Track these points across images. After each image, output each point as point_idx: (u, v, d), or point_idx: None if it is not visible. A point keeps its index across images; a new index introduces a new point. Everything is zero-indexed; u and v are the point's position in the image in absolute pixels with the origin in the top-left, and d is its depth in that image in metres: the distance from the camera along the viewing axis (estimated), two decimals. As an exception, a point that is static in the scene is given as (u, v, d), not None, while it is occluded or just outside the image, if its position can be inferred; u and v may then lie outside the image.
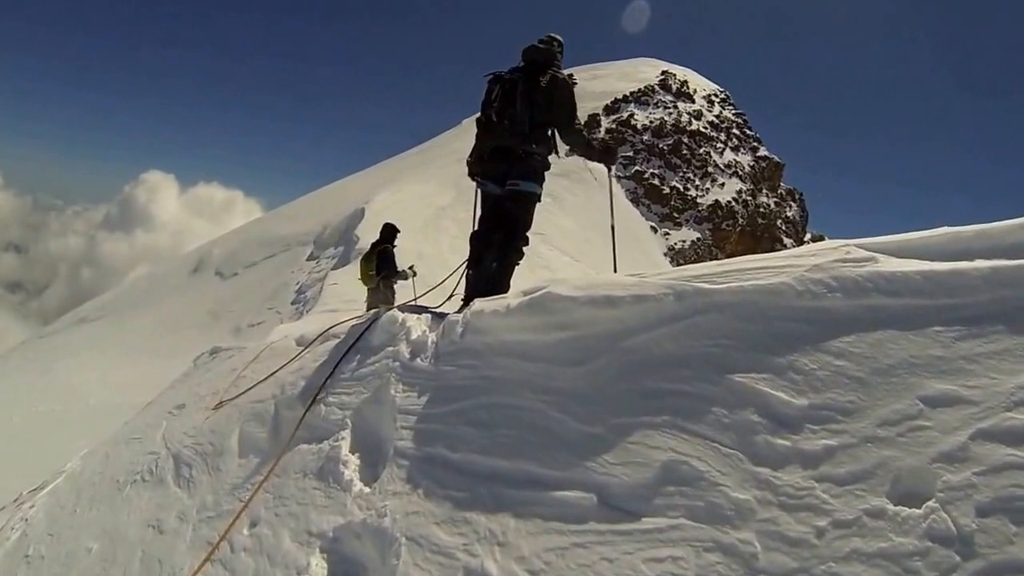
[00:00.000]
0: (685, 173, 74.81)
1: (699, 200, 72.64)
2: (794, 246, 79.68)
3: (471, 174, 6.51)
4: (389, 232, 13.75)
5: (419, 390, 4.35)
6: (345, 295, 22.76)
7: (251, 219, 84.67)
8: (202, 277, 54.55)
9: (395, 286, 13.39)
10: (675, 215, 70.34)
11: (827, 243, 3.46)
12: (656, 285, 3.48)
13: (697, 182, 74.67)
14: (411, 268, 13.70)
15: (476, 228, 6.51)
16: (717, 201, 72.71)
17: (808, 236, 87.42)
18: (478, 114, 6.50)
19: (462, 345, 4.36)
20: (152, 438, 6.87)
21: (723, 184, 75.56)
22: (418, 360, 4.63)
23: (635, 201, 69.28)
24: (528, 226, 6.32)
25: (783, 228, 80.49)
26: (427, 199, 51.79)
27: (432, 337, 4.78)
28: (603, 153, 6.88)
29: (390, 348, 5.06)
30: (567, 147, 6.57)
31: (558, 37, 6.41)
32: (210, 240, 70.64)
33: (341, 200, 54.78)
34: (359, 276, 14.21)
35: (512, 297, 4.37)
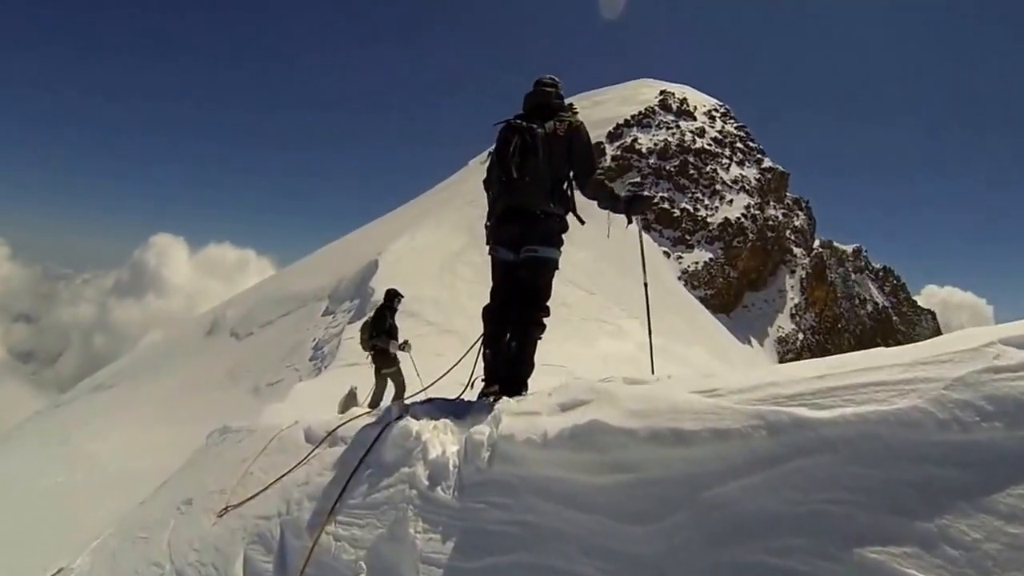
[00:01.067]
0: (694, 193, 74.89)
1: (709, 219, 72.76)
2: (804, 255, 79.90)
3: (492, 241, 5.60)
4: (388, 297, 13.33)
5: (443, 532, 3.63)
6: (360, 349, 22.30)
7: (264, 277, 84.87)
8: (217, 339, 54.44)
9: (395, 352, 12.93)
10: (687, 237, 70.51)
11: (960, 337, 2.63)
12: (739, 413, 2.65)
13: (706, 201, 74.72)
14: (406, 342, 13.20)
15: (490, 301, 5.62)
16: (727, 219, 72.83)
17: (817, 243, 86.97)
18: (482, 162, 5.70)
19: (490, 475, 3.62)
20: (158, 542, 6.47)
21: (731, 201, 75.54)
22: (439, 490, 3.89)
23: (647, 227, 69.21)
24: (548, 295, 5.50)
25: (792, 238, 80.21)
26: (441, 245, 51.74)
27: (454, 459, 4.01)
28: (630, 203, 5.75)
29: (405, 469, 4.37)
30: (590, 198, 5.75)
31: (557, 78, 5.78)
32: (224, 301, 70.74)
33: (354, 252, 54.78)
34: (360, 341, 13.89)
35: (546, 412, 3.72)
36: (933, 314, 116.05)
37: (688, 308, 58.77)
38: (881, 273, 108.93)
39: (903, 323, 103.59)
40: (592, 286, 50.92)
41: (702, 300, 64.14)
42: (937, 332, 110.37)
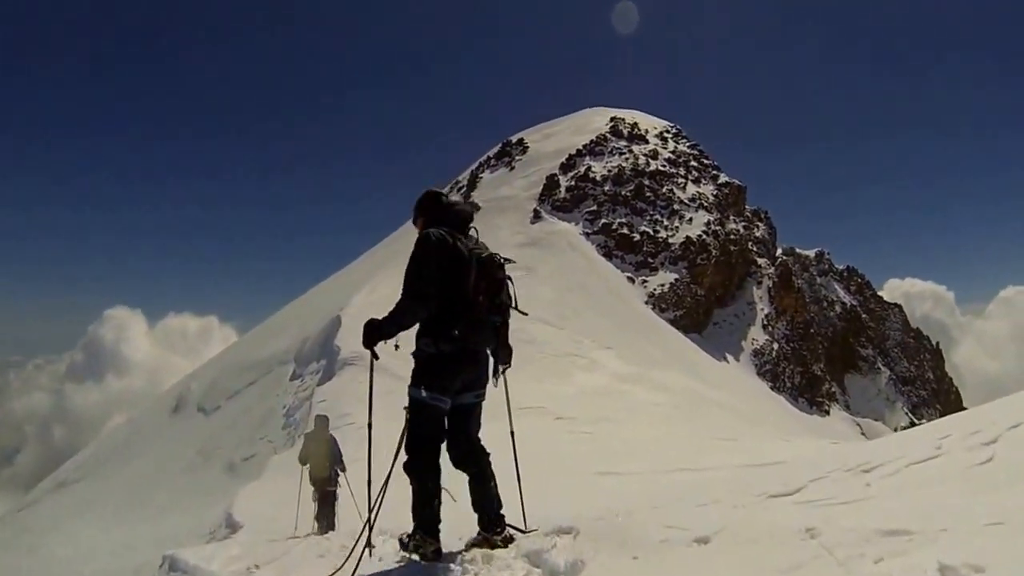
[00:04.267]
0: (652, 215, 75.29)
1: (670, 240, 73.21)
2: (769, 265, 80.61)
3: (439, 389, 4.92)
4: (325, 423, 13.56)
5: None
6: (333, 410, 22.00)
7: (229, 345, 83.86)
8: (184, 416, 53.56)
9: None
10: (650, 260, 70.74)
11: None
12: None
13: (665, 222, 75.16)
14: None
15: (417, 455, 4.92)
16: (688, 237, 73.23)
17: (780, 251, 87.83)
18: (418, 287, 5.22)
19: None
20: None
21: (691, 219, 76.07)
22: None
23: (608, 255, 69.86)
24: None
25: (755, 250, 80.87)
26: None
27: None
28: (510, 352, 5.33)
29: None
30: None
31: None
32: (187, 375, 69.75)
33: (317, 309, 54.53)
34: (305, 461, 13.48)
35: None
36: (899, 307, 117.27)
37: (659, 332, 58.83)
38: (845, 273, 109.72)
39: (872, 320, 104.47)
40: (559, 321, 51.07)
41: (672, 322, 64.29)
42: (906, 324, 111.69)
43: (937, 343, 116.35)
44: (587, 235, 70.71)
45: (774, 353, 71.33)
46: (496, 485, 5.23)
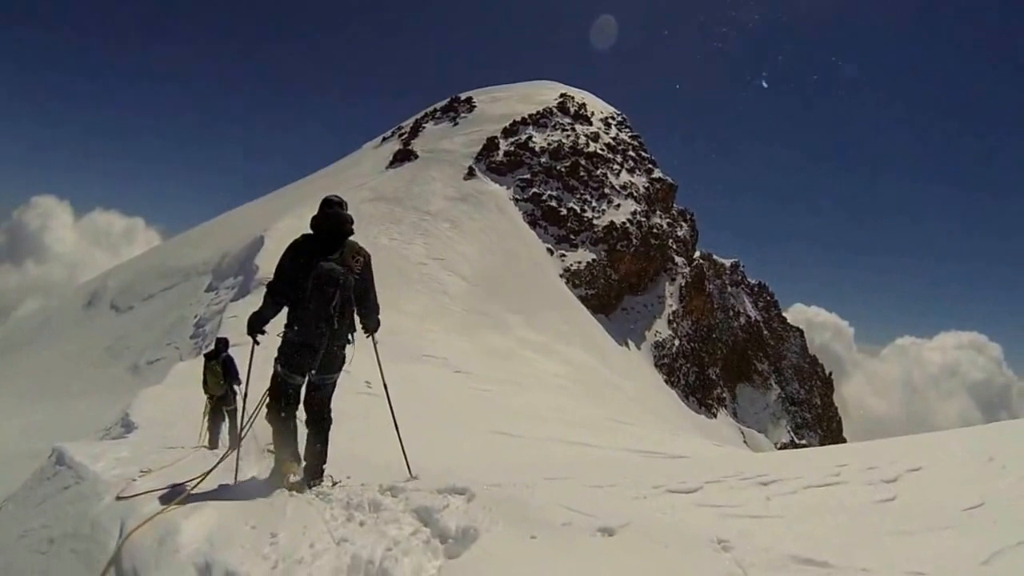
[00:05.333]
0: (582, 195, 75.97)
1: (595, 221, 73.98)
2: (685, 265, 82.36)
3: (288, 368, 6.03)
4: (225, 345, 13.83)
5: None
6: (242, 328, 21.90)
7: (150, 248, 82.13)
8: (97, 311, 52.72)
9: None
10: (571, 236, 71.33)
11: None
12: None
13: (594, 203, 75.89)
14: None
15: (276, 410, 6.13)
16: (612, 223, 74.12)
17: (698, 254, 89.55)
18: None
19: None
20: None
21: (619, 205, 77.05)
22: None
23: (533, 223, 70.18)
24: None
25: (675, 248, 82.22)
26: (327, 227, 51.06)
27: None
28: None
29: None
30: (365, 326, 6.56)
31: (342, 197, 6.25)
32: (104, 271, 68.25)
33: (242, 227, 53.92)
34: (203, 382, 13.71)
35: None
36: (801, 331, 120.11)
37: (568, 306, 59.57)
38: (756, 288, 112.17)
39: (773, 337, 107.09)
40: (476, 278, 51.69)
41: (582, 299, 65.07)
42: (804, 348, 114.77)
43: (830, 372, 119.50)
44: (516, 200, 70.96)
45: (674, 349, 72.96)
46: (324, 447, 6.24)
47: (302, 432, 6.31)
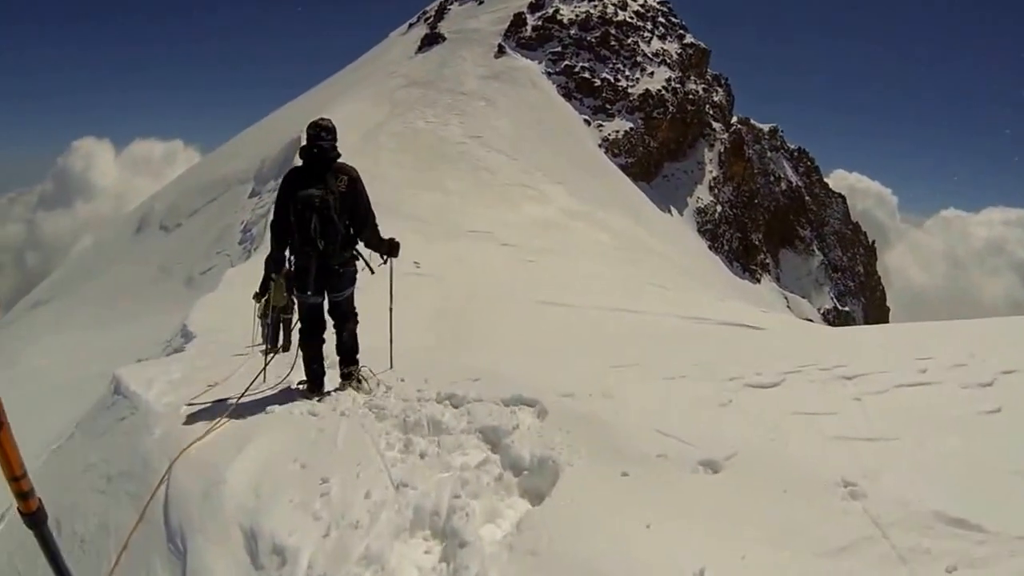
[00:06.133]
0: (614, 64, 74.97)
1: (630, 90, 73.21)
2: (723, 130, 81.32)
3: (300, 289, 6.40)
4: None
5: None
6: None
7: (191, 166, 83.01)
8: (147, 234, 53.81)
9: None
10: (607, 106, 70.79)
11: None
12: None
13: (627, 72, 74.93)
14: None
15: (304, 332, 6.61)
16: (647, 90, 73.24)
17: (735, 119, 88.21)
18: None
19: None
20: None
21: (652, 73, 75.93)
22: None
23: (567, 96, 69.69)
24: (354, 309, 6.75)
25: (711, 113, 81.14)
26: (363, 117, 51.48)
27: None
28: (390, 247, 6.72)
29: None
30: (366, 244, 6.68)
31: (331, 123, 6.32)
32: (150, 196, 69.21)
33: (278, 131, 54.14)
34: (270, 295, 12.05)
35: None
36: (843, 197, 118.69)
37: (609, 175, 59.53)
38: (796, 153, 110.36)
39: (815, 203, 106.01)
40: (514, 152, 51.66)
41: (623, 168, 65.16)
42: (846, 215, 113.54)
43: (873, 241, 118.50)
44: (549, 74, 70.31)
45: (717, 215, 72.91)
46: (353, 340, 6.64)
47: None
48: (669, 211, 66.88)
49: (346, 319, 6.55)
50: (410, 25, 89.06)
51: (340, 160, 6.22)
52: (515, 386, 5.36)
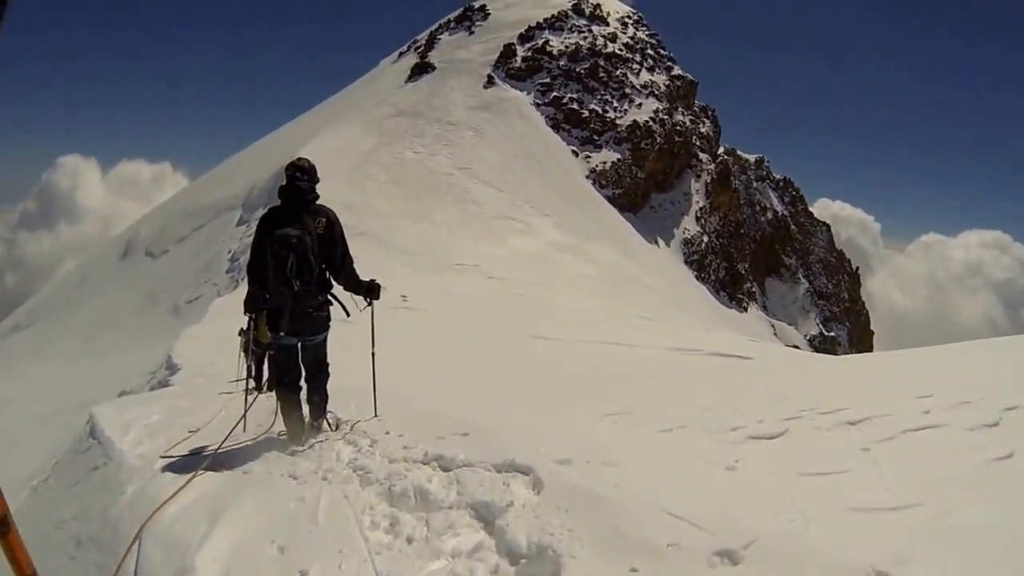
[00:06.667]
0: (603, 96, 75.49)
1: (618, 121, 73.64)
2: (710, 161, 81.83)
3: (275, 330, 6.35)
4: None
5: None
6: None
7: (179, 190, 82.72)
8: (133, 260, 53.41)
9: None
10: (595, 137, 71.17)
11: None
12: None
13: (615, 104, 75.43)
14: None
15: (279, 379, 6.58)
16: (635, 121, 73.68)
17: (722, 150, 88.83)
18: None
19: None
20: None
21: (640, 104, 76.44)
22: None
23: (555, 127, 70.06)
24: (327, 362, 6.66)
25: (698, 144, 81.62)
26: (351, 146, 51.36)
27: None
28: (369, 289, 6.72)
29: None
30: (342, 285, 6.66)
31: (310, 163, 6.38)
32: (137, 220, 68.94)
33: (267, 158, 54.04)
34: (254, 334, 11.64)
35: None
36: (828, 226, 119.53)
37: (596, 207, 59.69)
38: (781, 183, 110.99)
39: (800, 232, 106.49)
40: (502, 183, 51.82)
41: (610, 199, 65.36)
42: (831, 243, 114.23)
43: (856, 267, 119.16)
44: (537, 105, 70.62)
45: (703, 245, 73.12)
46: (323, 400, 6.59)
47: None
48: (656, 242, 67.03)
49: (319, 372, 6.49)
50: (400, 54, 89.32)
51: (318, 202, 6.26)
52: (506, 447, 5.09)
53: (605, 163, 68.57)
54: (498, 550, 3.80)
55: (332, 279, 6.37)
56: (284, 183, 6.13)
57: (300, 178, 6.12)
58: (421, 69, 75.44)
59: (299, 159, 6.27)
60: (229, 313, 18.14)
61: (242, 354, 12.80)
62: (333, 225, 6.19)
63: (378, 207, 40.49)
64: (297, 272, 5.93)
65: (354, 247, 6.62)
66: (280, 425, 6.61)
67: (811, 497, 3.99)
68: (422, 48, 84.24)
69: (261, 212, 34.30)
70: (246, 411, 6.94)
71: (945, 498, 3.83)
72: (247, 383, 9.75)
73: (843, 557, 3.20)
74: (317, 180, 6.33)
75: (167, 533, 4.38)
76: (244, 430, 6.68)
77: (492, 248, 39.69)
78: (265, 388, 11.69)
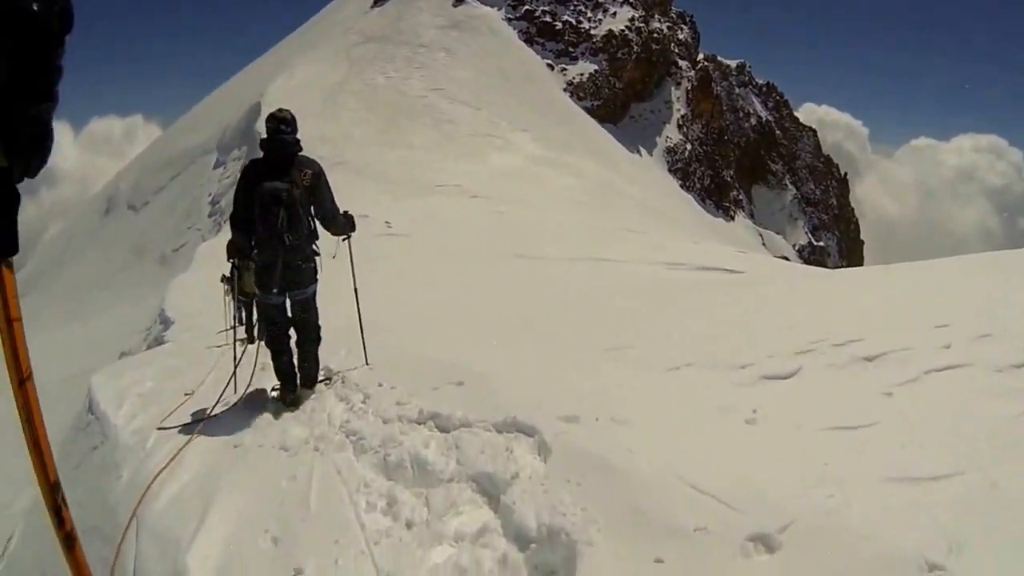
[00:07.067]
0: (576, 6, 73.98)
1: (593, 32, 72.32)
2: (689, 68, 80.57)
3: (262, 288, 6.36)
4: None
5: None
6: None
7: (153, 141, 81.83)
8: (115, 216, 53.16)
9: None
10: (570, 50, 69.93)
11: None
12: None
13: (589, 14, 74.04)
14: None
15: (268, 332, 6.63)
16: (611, 31, 72.39)
17: (701, 56, 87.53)
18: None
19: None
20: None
21: (615, 13, 74.97)
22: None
23: (529, 41, 68.61)
24: (318, 318, 6.69)
25: (677, 51, 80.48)
26: (322, 78, 50.57)
27: None
28: (348, 220, 6.83)
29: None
30: (331, 232, 6.82)
31: (291, 114, 6.22)
32: (115, 176, 68.33)
33: (237, 97, 53.44)
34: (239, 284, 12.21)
35: None
36: (814, 131, 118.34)
37: (575, 120, 58.89)
38: (764, 89, 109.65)
39: (786, 138, 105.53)
40: (477, 102, 50.82)
41: (589, 111, 64.21)
42: (817, 148, 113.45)
43: (845, 173, 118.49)
44: (509, 20, 68.80)
45: (686, 153, 72.60)
46: (314, 364, 6.65)
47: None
48: (638, 152, 66.52)
49: (310, 334, 6.51)
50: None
51: (302, 153, 6.15)
52: (506, 400, 4.93)
53: (582, 75, 67.51)
54: (505, 532, 3.60)
55: (325, 229, 6.48)
56: (266, 136, 6.04)
57: (284, 131, 6.04)
58: (386, -8, 73.39)
59: (280, 110, 6.17)
60: (214, 259, 17.74)
61: (228, 301, 12.66)
62: (319, 176, 6.18)
63: (354, 136, 39.99)
64: (288, 226, 5.90)
65: (333, 179, 6.49)
66: (270, 380, 6.66)
67: (844, 462, 3.70)
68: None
69: (236, 153, 33.55)
70: (235, 369, 6.96)
71: (986, 463, 3.53)
72: (234, 334, 9.66)
73: (890, 545, 2.89)
74: (297, 130, 6.20)
75: (159, 523, 4.32)
76: (235, 391, 6.69)
77: (472, 167, 39.26)
78: (256, 338, 11.36)
